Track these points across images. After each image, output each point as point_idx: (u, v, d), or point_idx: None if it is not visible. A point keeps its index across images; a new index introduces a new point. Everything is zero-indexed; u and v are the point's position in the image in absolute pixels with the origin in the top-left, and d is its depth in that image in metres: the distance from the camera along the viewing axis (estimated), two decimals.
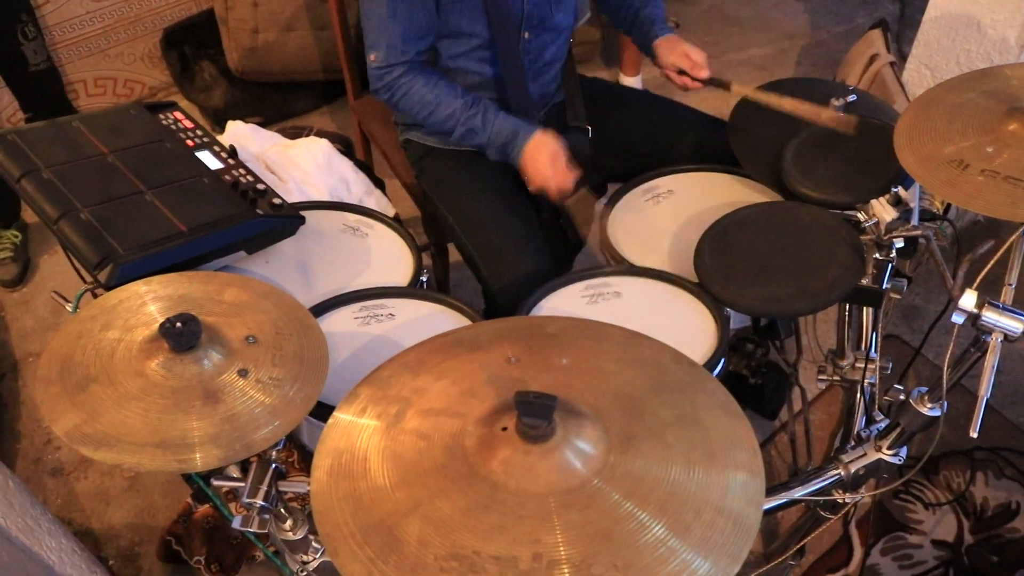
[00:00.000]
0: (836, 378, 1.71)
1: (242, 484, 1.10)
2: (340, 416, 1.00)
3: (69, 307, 1.41)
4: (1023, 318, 1.11)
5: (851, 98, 1.64)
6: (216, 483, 1.13)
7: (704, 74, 1.80)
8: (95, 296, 1.45)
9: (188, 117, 1.67)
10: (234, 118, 2.84)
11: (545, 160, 1.66)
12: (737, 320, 1.52)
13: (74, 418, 1.03)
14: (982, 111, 1.28)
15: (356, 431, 0.97)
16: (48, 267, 2.68)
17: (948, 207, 2.21)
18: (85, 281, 1.46)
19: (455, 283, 2.27)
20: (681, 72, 1.82)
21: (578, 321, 1.17)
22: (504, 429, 0.91)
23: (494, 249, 1.70)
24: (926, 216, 1.53)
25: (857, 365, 1.68)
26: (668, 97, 2.02)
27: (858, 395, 1.63)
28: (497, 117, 1.71)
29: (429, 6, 1.66)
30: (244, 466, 1.14)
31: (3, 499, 1.63)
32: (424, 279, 1.55)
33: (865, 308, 1.67)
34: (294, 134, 2.09)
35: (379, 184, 2.01)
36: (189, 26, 3.05)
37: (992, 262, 1.18)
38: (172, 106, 1.70)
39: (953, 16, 2.29)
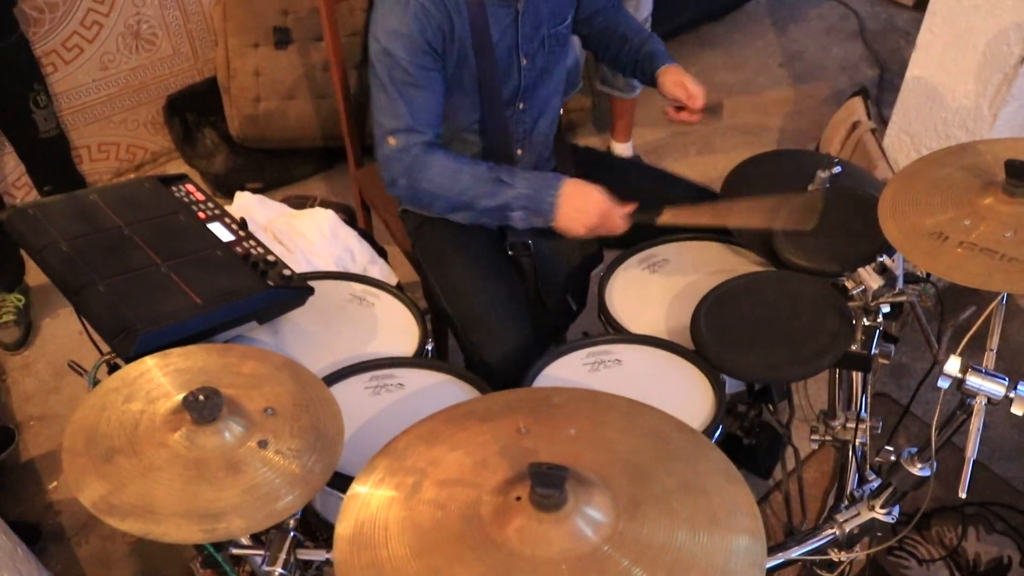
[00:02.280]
0: (828, 438, 1.76)
1: (261, 553, 1.13)
2: (359, 487, 1.04)
3: (86, 378, 1.45)
4: (1005, 382, 1.16)
5: (836, 170, 1.72)
6: (236, 552, 1.16)
7: (700, 103, 1.82)
8: (110, 367, 1.50)
9: (199, 189, 1.73)
10: (235, 184, 2.94)
11: (586, 205, 1.64)
12: (732, 385, 1.58)
13: (100, 489, 1.07)
14: (960, 185, 1.35)
15: (375, 501, 1.01)
16: (50, 331, 2.72)
17: None
18: (101, 352, 1.50)
19: (454, 348, 2.32)
20: (679, 108, 1.86)
21: (583, 392, 1.23)
22: (518, 499, 0.96)
23: (476, 318, 1.75)
24: (910, 278, 1.59)
25: (848, 425, 1.73)
26: (659, 167, 2.10)
27: (850, 454, 1.68)
28: (522, 172, 1.70)
29: (439, 92, 1.70)
30: (258, 534, 1.18)
31: (12, 567, 1.65)
32: (430, 347, 1.60)
33: (856, 373, 1.72)
34: (299, 204, 2.15)
35: (382, 253, 2.07)
36: (192, 94, 3.13)
37: (974, 329, 1.24)
38: (184, 179, 1.76)
39: (928, 86, 2.40)
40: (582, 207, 1.64)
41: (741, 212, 1.67)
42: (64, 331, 2.70)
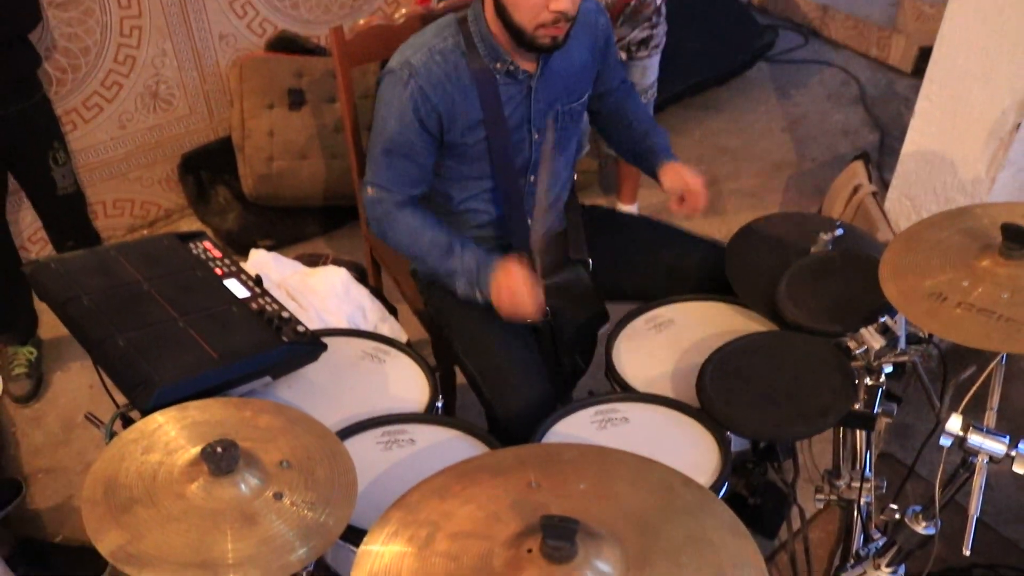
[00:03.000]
0: (833, 497, 1.77)
1: None
2: (374, 539, 1.06)
3: (102, 430, 1.47)
4: (1006, 441, 1.19)
5: (838, 232, 1.76)
6: None
7: (700, 201, 1.89)
8: (125, 419, 1.53)
9: (216, 246, 1.78)
10: (247, 241, 2.99)
11: (509, 293, 1.73)
12: (737, 443, 1.60)
13: (118, 538, 1.09)
14: (958, 248, 1.40)
15: (388, 554, 1.03)
16: (61, 384, 2.74)
17: None
18: (117, 405, 1.54)
19: (461, 405, 2.35)
20: (681, 200, 1.91)
21: (592, 448, 1.25)
22: (530, 551, 0.98)
23: (498, 373, 1.78)
24: (912, 339, 1.62)
25: (853, 485, 1.74)
26: (666, 221, 2.15)
27: (855, 514, 1.69)
28: (470, 249, 1.80)
29: (422, 162, 1.80)
30: None
31: None
32: (440, 404, 1.62)
33: (860, 432, 1.74)
34: (311, 261, 2.20)
35: (392, 311, 2.11)
36: (206, 152, 3.20)
37: (975, 388, 1.27)
38: (201, 236, 1.81)
39: (927, 151, 2.46)
40: (506, 289, 1.73)
41: None
42: (75, 384, 2.72)
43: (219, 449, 1.14)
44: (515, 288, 1.72)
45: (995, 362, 1.29)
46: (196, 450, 1.17)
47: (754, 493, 2.01)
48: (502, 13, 1.69)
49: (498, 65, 1.75)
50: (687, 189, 1.90)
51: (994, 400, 1.27)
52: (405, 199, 1.82)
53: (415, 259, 1.90)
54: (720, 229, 3.11)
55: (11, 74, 2.30)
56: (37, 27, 2.38)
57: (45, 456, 2.54)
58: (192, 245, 1.76)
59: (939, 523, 1.35)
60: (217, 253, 1.76)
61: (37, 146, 2.44)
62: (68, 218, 2.65)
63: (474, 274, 1.77)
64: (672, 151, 2.01)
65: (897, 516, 1.39)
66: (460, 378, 2.17)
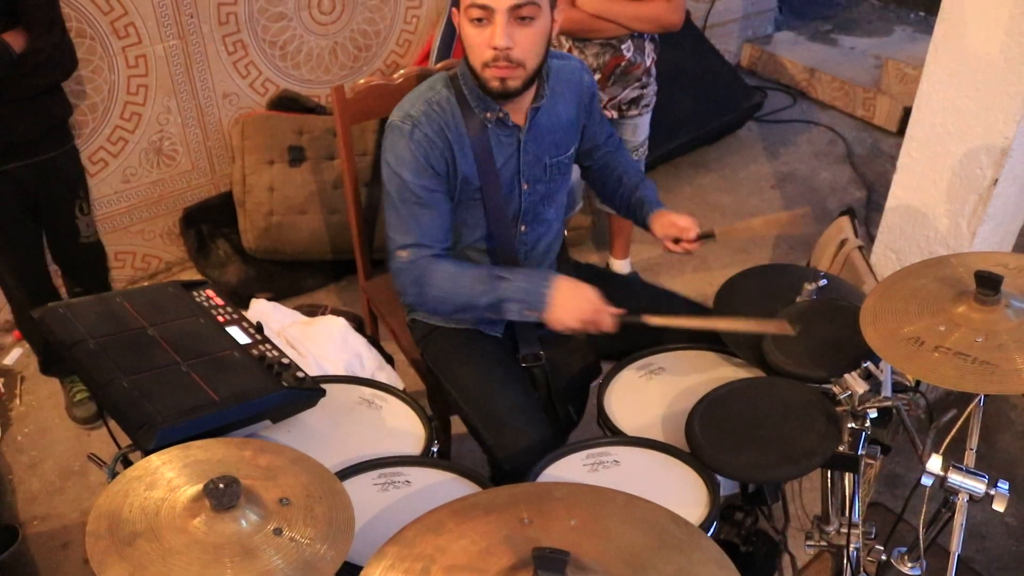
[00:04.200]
0: (823, 543, 1.80)
1: None
2: (371, 572, 1.09)
3: (105, 470, 1.50)
4: (984, 479, 1.23)
5: (822, 282, 1.82)
6: None
7: (693, 234, 1.95)
8: (125, 461, 1.56)
9: (219, 295, 1.82)
10: (246, 293, 3.04)
11: (580, 300, 1.74)
12: (727, 487, 1.63)
13: (121, 571, 1.12)
14: (935, 295, 1.45)
15: None
16: (60, 432, 2.76)
17: (919, 380, 2.37)
18: (119, 446, 1.57)
19: (456, 454, 2.37)
20: (677, 240, 1.98)
21: (583, 486, 1.29)
22: None
23: (498, 419, 1.81)
24: (898, 388, 1.67)
25: (842, 531, 1.77)
26: (656, 284, 2.20)
27: (845, 560, 1.71)
28: (519, 269, 1.83)
29: (443, 210, 1.83)
30: None
31: None
32: (435, 449, 1.66)
33: (847, 476, 1.78)
34: (311, 312, 2.25)
35: (389, 360, 2.15)
36: (207, 207, 3.27)
37: (955, 430, 1.31)
38: (204, 284, 1.86)
39: (910, 207, 2.53)
40: (574, 301, 1.75)
41: (723, 321, 1.80)
42: (73, 433, 2.74)
43: (221, 485, 1.17)
44: (589, 297, 1.74)
45: (973, 404, 1.33)
46: (199, 486, 1.20)
47: (746, 541, 2.02)
48: (467, 60, 1.78)
49: (489, 115, 1.82)
50: (680, 233, 1.96)
51: (973, 440, 1.31)
52: (439, 252, 1.82)
53: (460, 308, 1.83)
54: (711, 283, 3.18)
55: (47, 121, 2.38)
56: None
57: (41, 503, 2.55)
58: (195, 293, 1.81)
59: (924, 564, 1.38)
60: (219, 301, 1.80)
61: (65, 194, 2.50)
62: (87, 267, 2.68)
63: (529, 292, 1.76)
64: (660, 201, 2.08)
65: (884, 557, 1.42)
66: (455, 429, 2.21)
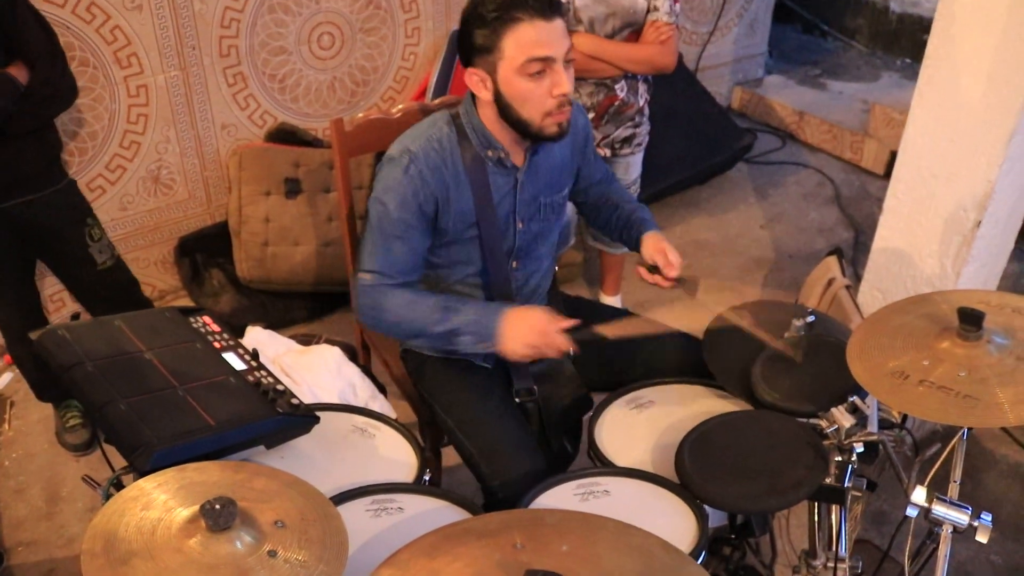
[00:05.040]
0: None
1: None
2: None
3: (99, 492, 1.51)
4: (968, 511, 1.25)
5: (810, 319, 1.85)
6: None
7: (674, 273, 1.96)
8: (118, 484, 1.57)
9: (216, 321, 1.84)
10: (239, 323, 3.05)
11: (524, 326, 1.77)
12: (715, 518, 1.65)
13: None
14: (919, 330, 1.49)
15: None
16: (47, 457, 2.75)
17: (905, 417, 2.39)
18: (113, 469, 1.58)
19: (446, 485, 2.38)
20: (653, 271, 1.98)
21: (575, 513, 1.31)
22: None
23: (493, 448, 1.83)
24: (885, 425, 1.70)
25: (829, 564, 1.78)
26: (647, 316, 2.23)
27: None
28: (471, 302, 1.87)
29: (416, 247, 1.86)
30: None
31: None
32: (427, 477, 1.67)
33: (834, 510, 1.80)
34: (305, 340, 2.27)
35: (382, 389, 2.17)
36: (202, 236, 3.29)
37: (939, 463, 1.34)
38: (201, 311, 1.88)
39: (896, 248, 2.58)
40: (522, 328, 1.78)
41: (654, 323, 1.86)
42: (61, 459, 2.74)
43: (218, 506, 1.19)
44: (534, 322, 1.77)
45: (957, 437, 1.36)
46: (195, 508, 1.21)
47: (734, 575, 2.04)
48: (507, 113, 1.79)
49: (490, 153, 1.86)
50: (663, 261, 1.96)
51: (957, 473, 1.34)
52: (399, 283, 1.86)
53: (413, 334, 1.89)
54: (701, 321, 3.19)
55: (44, 158, 2.38)
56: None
57: (27, 529, 2.54)
58: (192, 319, 1.83)
59: None
60: (216, 327, 1.82)
61: (72, 225, 2.48)
62: (114, 294, 2.62)
63: (480, 324, 1.80)
64: (657, 226, 2.10)
65: None
66: (446, 460, 2.22)
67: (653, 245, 2.01)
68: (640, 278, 2.02)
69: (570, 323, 1.78)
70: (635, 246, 2.08)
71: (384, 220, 1.84)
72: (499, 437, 1.84)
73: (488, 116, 1.84)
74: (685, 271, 1.98)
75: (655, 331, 1.88)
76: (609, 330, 1.83)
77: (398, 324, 1.87)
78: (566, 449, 2.07)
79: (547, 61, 1.72)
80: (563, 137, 1.84)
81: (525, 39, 1.71)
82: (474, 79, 1.80)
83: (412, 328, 1.86)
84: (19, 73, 2.20)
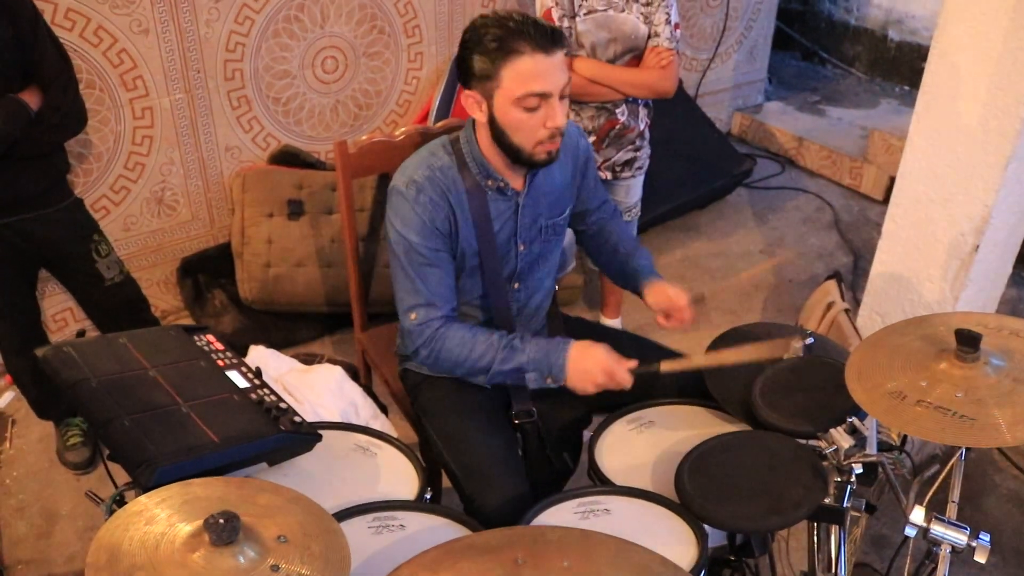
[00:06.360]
0: None
1: None
2: None
3: (102, 508, 1.52)
4: (966, 531, 1.26)
5: (809, 340, 1.87)
6: None
7: (687, 315, 2.00)
8: (120, 500, 1.58)
9: (219, 340, 1.86)
10: (241, 343, 3.06)
11: (591, 365, 1.79)
12: (714, 537, 1.65)
13: None
14: (917, 352, 1.50)
15: None
16: (47, 476, 2.76)
17: (904, 439, 2.40)
18: (116, 485, 1.59)
19: (447, 503, 2.37)
20: (668, 316, 2.02)
21: (576, 530, 1.31)
22: None
23: (477, 470, 1.84)
24: (884, 447, 1.71)
25: None
26: (647, 337, 2.25)
27: None
28: (532, 339, 1.86)
29: (449, 270, 1.89)
30: None
31: None
32: (428, 496, 1.68)
33: (833, 532, 1.80)
34: (307, 360, 2.28)
35: (383, 409, 2.18)
36: (205, 257, 3.31)
37: (938, 483, 1.35)
38: (205, 329, 1.90)
39: (895, 272, 2.60)
40: (588, 365, 1.80)
41: (730, 353, 1.83)
42: (62, 478, 2.74)
43: (221, 520, 1.19)
44: (601, 361, 1.79)
45: (955, 457, 1.37)
46: (198, 522, 1.22)
47: None
48: (500, 137, 1.82)
49: (489, 183, 1.89)
50: (671, 306, 2.01)
51: (955, 493, 1.35)
52: (448, 312, 1.88)
53: (476, 373, 1.89)
54: (702, 344, 3.20)
55: (51, 178, 2.40)
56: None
57: (27, 548, 2.54)
58: (196, 337, 1.85)
59: None
60: (219, 346, 1.84)
61: (78, 241, 2.50)
62: (122, 309, 2.64)
63: (543, 363, 1.82)
64: (656, 270, 2.13)
65: None
66: (447, 478, 2.22)
67: (655, 293, 2.04)
68: (661, 327, 2.05)
69: (633, 364, 1.80)
70: (637, 294, 2.12)
71: (411, 253, 1.86)
72: (483, 458, 1.85)
73: (484, 138, 1.87)
74: (686, 290, 2.02)
75: (716, 364, 1.88)
76: (668, 366, 1.83)
77: (459, 365, 1.88)
78: (567, 464, 2.08)
79: (544, 96, 1.75)
80: (552, 163, 1.87)
81: (524, 72, 1.73)
82: (471, 101, 1.83)
83: (475, 368, 1.87)
84: (31, 98, 2.22)
